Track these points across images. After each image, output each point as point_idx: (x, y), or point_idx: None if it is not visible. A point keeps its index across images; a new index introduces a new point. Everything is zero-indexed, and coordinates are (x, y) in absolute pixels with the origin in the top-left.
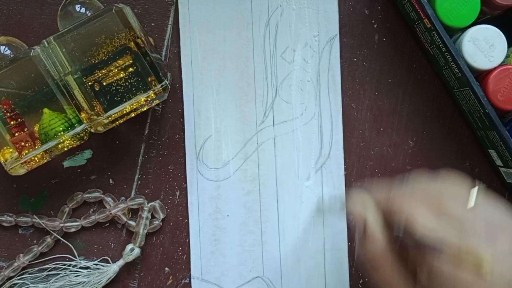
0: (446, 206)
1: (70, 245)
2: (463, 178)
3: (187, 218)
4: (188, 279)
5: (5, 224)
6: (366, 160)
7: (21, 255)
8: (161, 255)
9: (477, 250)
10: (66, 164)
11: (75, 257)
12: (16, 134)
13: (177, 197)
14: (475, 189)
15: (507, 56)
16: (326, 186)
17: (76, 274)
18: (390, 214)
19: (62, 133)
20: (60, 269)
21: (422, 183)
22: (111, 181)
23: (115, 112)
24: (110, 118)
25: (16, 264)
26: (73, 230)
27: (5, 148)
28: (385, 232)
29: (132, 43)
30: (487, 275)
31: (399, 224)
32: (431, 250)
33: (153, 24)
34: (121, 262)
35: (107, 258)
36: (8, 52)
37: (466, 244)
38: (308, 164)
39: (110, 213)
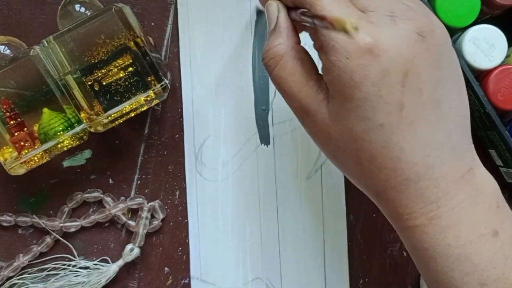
0: None
1: (69, 245)
2: None
3: (187, 218)
4: (187, 279)
5: (4, 224)
6: None
7: (21, 255)
8: (160, 255)
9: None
10: (65, 164)
11: (75, 257)
12: (16, 133)
13: (177, 197)
14: None
15: (507, 56)
16: (325, 186)
17: (76, 274)
18: None
19: (61, 132)
20: (60, 269)
21: None
22: (110, 181)
23: (114, 111)
24: (109, 118)
25: (15, 264)
26: (72, 230)
27: (4, 147)
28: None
29: (132, 43)
30: (379, 55)
31: (303, 5)
32: (326, 32)
33: (152, 23)
34: (120, 262)
35: (107, 258)
36: (7, 51)
37: (359, 20)
38: (307, 164)
39: (110, 213)
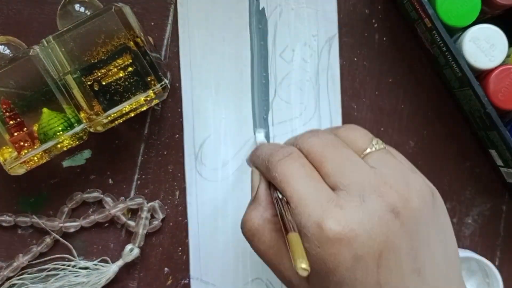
0: (328, 159)
1: (69, 245)
2: (362, 130)
3: (187, 218)
4: (187, 279)
5: (4, 224)
6: None
7: (21, 255)
8: (160, 255)
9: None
10: (65, 164)
11: (75, 257)
12: (15, 133)
13: (177, 197)
14: (374, 140)
15: (507, 56)
16: None
17: (76, 274)
18: (269, 172)
19: (61, 132)
20: (60, 269)
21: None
22: (110, 181)
23: (114, 111)
24: (109, 118)
25: (15, 264)
26: (72, 230)
27: (4, 148)
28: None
29: (132, 43)
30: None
31: (275, 184)
32: (297, 220)
33: (152, 23)
34: (120, 262)
35: (107, 258)
36: (7, 51)
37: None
38: None
39: (110, 213)
